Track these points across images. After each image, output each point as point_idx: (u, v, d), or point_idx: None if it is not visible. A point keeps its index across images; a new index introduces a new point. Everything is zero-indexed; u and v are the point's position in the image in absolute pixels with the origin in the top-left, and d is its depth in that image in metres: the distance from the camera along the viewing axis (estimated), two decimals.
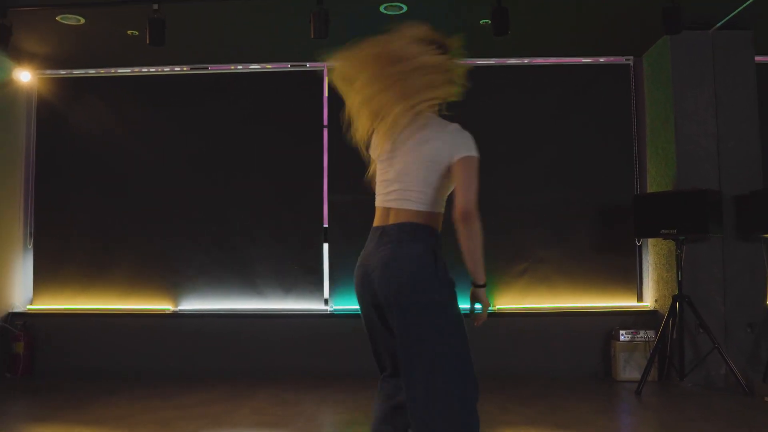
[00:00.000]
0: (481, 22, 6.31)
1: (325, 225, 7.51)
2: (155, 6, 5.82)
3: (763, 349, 6.40)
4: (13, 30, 6.11)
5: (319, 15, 5.66)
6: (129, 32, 6.56)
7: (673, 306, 6.32)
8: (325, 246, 7.50)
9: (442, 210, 3.16)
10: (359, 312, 3.16)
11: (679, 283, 6.30)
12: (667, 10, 5.69)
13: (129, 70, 7.82)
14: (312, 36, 5.74)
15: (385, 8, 6.08)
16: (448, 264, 3.05)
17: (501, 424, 4.99)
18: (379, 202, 3.16)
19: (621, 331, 6.76)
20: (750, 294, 6.56)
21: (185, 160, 7.72)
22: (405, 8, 6.09)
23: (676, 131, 6.67)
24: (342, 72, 3.22)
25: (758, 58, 6.80)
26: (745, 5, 6.02)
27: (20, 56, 7.20)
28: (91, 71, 7.83)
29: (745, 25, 6.59)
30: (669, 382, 6.53)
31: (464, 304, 2.93)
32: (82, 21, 6.30)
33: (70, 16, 6.18)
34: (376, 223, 3.13)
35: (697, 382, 6.39)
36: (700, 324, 6.20)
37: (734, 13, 6.23)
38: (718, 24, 6.54)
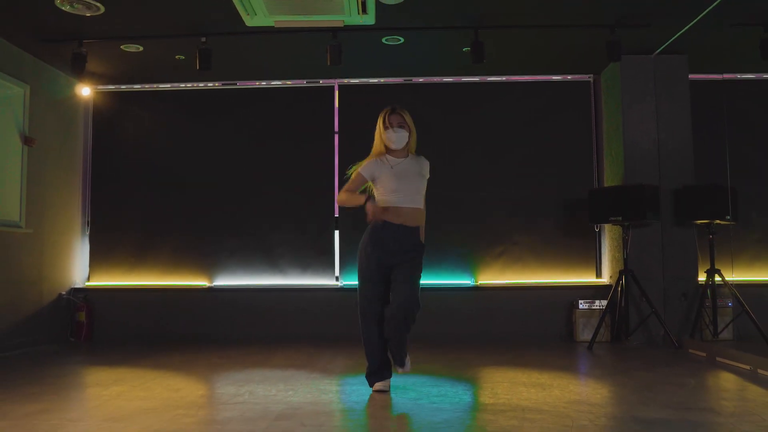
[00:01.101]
0: (463, 49, 7.66)
1: (336, 215, 8.81)
2: (203, 39, 7.19)
3: (693, 313, 7.77)
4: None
5: (335, 48, 7.01)
6: (177, 57, 7.90)
7: (619, 279, 7.72)
8: (336, 232, 8.81)
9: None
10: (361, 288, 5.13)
11: (625, 260, 7.69)
12: (609, 43, 7.08)
13: (170, 86, 9.12)
14: (328, 64, 7.08)
15: (386, 40, 7.44)
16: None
17: (477, 366, 6.36)
18: None
19: (580, 301, 8.17)
20: (683, 269, 7.93)
21: (218, 162, 8.99)
22: (402, 40, 7.45)
23: (624, 136, 8.02)
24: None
25: (692, 76, 8.14)
26: (678, 35, 7.33)
27: (83, 75, 8.48)
28: (137, 86, 9.11)
29: (681, 50, 7.91)
30: (618, 342, 7.92)
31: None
32: (141, 49, 7.63)
33: (132, 45, 7.52)
34: None
35: (640, 341, 7.80)
36: (642, 293, 7.60)
37: (670, 41, 7.55)
38: (659, 50, 7.89)
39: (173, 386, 5.34)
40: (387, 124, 5.02)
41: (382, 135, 5.05)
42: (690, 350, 7.14)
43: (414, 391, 5.11)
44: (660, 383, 5.33)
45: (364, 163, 5.08)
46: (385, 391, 5.06)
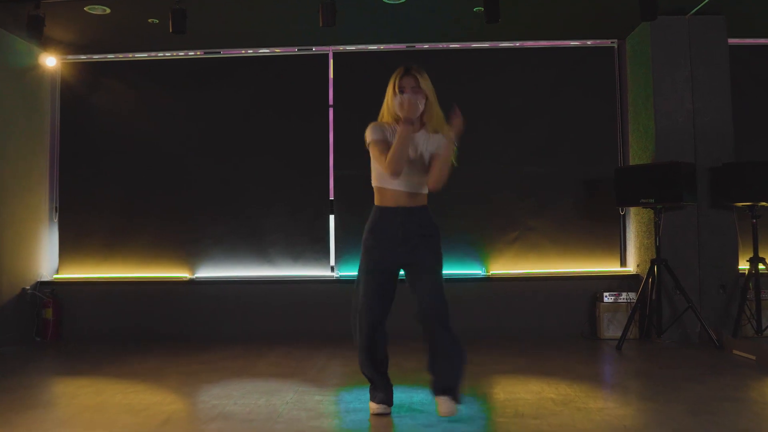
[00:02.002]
0: (474, 9, 6.79)
1: (331, 198, 7.98)
2: None
3: (734, 307, 6.93)
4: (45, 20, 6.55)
5: (328, 6, 6.13)
6: (150, 20, 7.02)
7: (651, 269, 6.85)
8: (332, 217, 7.97)
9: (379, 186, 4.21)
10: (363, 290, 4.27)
11: (657, 248, 6.83)
12: None
13: (146, 55, 8.25)
14: (321, 25, 6.20)
15: None
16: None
17: (493, 372, 5.54)
18: None
19: (605, 294, 7.30)
20: (722, 257, 7.07)
21: (201, 138, 8.16)
22: None
23: (655, 108, 7.15)
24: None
25: (731, 41, 7.27)
26: None
27: (46, 43, 7.62)
28: (110, 56, 8.25)
29: (719, 11, 7.04)
30: (648, 339, 7.06)
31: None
32: (108, 11, 6.76)
33: (97, 6, 6.63)
34: None
35: (673, 339, 6.94)
36: (676, 285, 6.73)
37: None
38: (694, 10, 7.00)
39: (135, 406, 4.51)
40: (398, 89, 4.10)
41: (391, 102, 4.14)
42: (734, 351, 6.28)
43: (422, 412, 4.28)
44: (714, 399, 4.48)
45: (371, 131, 4.17)
46: (384, 414, 4.19)
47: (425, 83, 4.11)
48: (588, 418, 4.05)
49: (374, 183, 4.22)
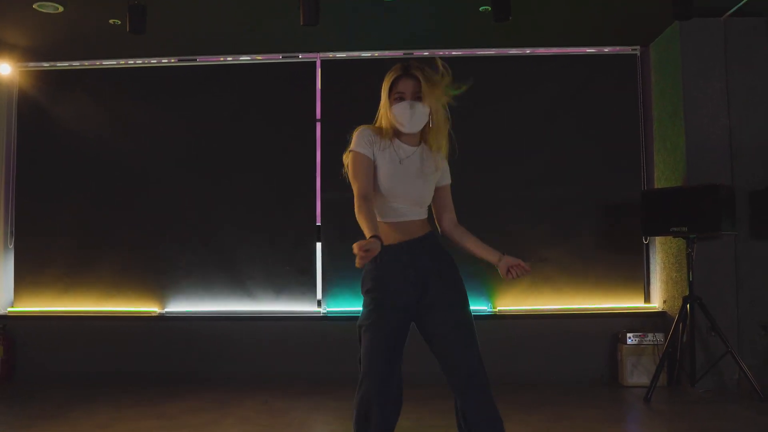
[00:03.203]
0: (480, 9, 6.09)
1: (318, 223, 7.32)
2: None
3: None
4: None
5: (309, 1, 5.35)
6: (111, 21, 6.30)
7: (683, 308, 6.03)
8: (318, 245, 7.30)
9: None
10: (354, 314, 3.05)
11: (690, 284, 6.02)
12: None
13: (115, 62, 7.64)
14: (302, 23, 5.49)
15: None
16: None
17: None
18: None
19: (628, 334, 6.50)
20: (764, 294, 6.30)
21: (172, 156, 7.53)
22: None
23: (685, 123, 6.41)
24: None
25: None
26: None
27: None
28: (75, 63, 7.65)
29: (760, 11, 6.37)
30: (679, 387, 6.28)
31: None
32: (61, 9, 6.04)
33: (47, 3, 5.91)
34: None
35: (708, 387, 6.13)
36: (712, 326, 5.94)
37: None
38: (731, 10, 6.29)
39: None
40: (396, 95, 3.24)
41: (387, 111, 3.26)
42: None
43: None
44: None
45: (354, 138, 3.28)
46: None
47: (429, 86, 3.21)
48: None
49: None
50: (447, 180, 3.39)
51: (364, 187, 3.18)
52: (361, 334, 3.19)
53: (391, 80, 3.24)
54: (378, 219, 3.23)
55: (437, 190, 3.36)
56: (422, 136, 3.31)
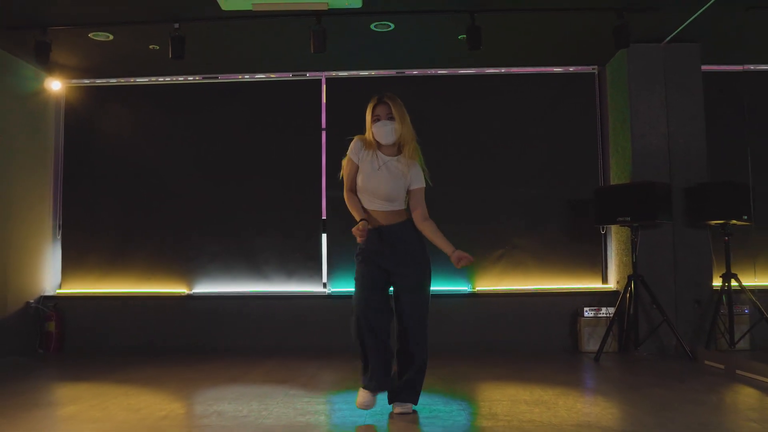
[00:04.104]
0: (459, 37, 7.09)
1: (324, 217, 8.29)
2: (176, 25, 6.65)
3: (708, 322, 7.21)
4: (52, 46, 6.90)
5: (318, 33, 6.46)
6: (150, 47, 7.36)
7: (628, 284, 7.16)
8: (324, 236, 8.28)
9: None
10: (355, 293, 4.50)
11: (634, 264, 7.14)
12: (617, 28, 6.55)
13: (147, 80, 8.59)
14: (312, 51, 6.54)
15: (375, 26, 6.90)
16: None
17: (473, 381, 5.81)
18: None
19: (585, 308, 7.60)
20: (697, 274, 7.37)
21: (198, 160, 8.47)
22: (392, 26, 6.92)
23: (632, 131, 7.48)
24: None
25: (705, 67, 7.60)
26: (689, 21, 6.82)
27: (52, 67, 7.96)
28: (113, 80, 8.60)
29: (693, 39, 7.38)
30: (626, 352, 7.34)
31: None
32: (111, 38, 7.10)
33: (101, 33, 6.98)
34: None
35: (650, 351, 7.22)
36: (652, 300, 7.03)
37: (681, 27, 7.02)
38: (668, 38, 7.35)
39: (134, 406, 4.78)
40: (374, 117, 4.51)
41: (368, 129, 4.55)
42: (706, 362, 6.58)
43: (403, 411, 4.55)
44: (677, 401, 4.76)
45: (350, 146, 4.60)
46: (366, 408, 4.47)
47: (396, 110, 4.48)
48: (555, 415, 4.35)
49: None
50: (418, 185, 4.52)
51: (350, 183, 4.55)
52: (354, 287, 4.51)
53: (371, 107, 4.55)
54: (365, 207, 4.52)
55: (410, 192, 4.55)
56: (399, 149, 4.53)
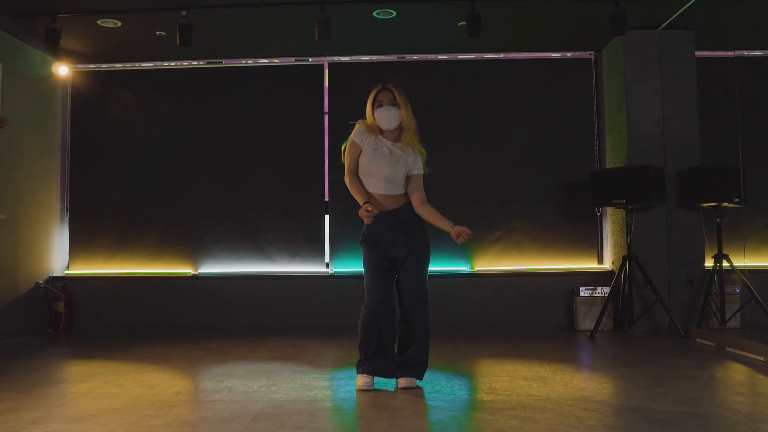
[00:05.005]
0: (459, 24, 7.26)
1: (326, 199, 8.45)
2: (183, 12, 6.80)
3: (700, 301, 7.42)
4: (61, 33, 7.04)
5: (322, 21, 6.64)
6: (158, 33, 7.52)
7: (623, 265, 7.36)
8: (326, 217, 8.44)
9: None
10: (356, 273, 4.65)
11: (629, 245, 7.35)
12: (612, 16, 6.71)
13: (152, 64, 8.73)
14: (317, 38, 6.71)
15: (377, 14, 7.07)
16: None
17: (473, 358, 6.01)
18: None
19: (581, 289, 7.82)
20: (690, 255, 7.59)
21: (202, 144, 8.62)
22: (394, 13, 7.07)
23: (627, 116, 7.66)
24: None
25: (698, 53, 7.76)
26: (684, 9, 6.97)
27: (60, 53, 8.11)
28: (118, 65, 8.73)
29: (688, 25, 7.54)
30: (621, 330, 7.56)
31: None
32: (119, 24, 7.25)
33: (109, 20, 7.13)
34: None
35: (644, 329, 7.45)
36: (646, 280, 7.24)
37: (675, 15, 7.18)
38: (663, 24, 7.51)
39: (148, 382, 4.98)
40: (377, 103, 4.70)
41: (371, 115, 4.74)
42: (697, 339, 6.79)
43: (406, 386, 4.75)
44: (669, 377, 4.98)
45: (354, 130, 4.80)
46: (368, 390, 4.66)
47: (400, 97, 4.68)
48: (553, 390, 4.56)
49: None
50: (417, 171, 4.74)
51: (352, 165, 4.72)
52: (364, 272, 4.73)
53: (374, 94, 4.75)
54: (369, 191, 4.72)
55: (409, 177, 4.76)
56: (399, 136, 4.71)
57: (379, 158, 4.64)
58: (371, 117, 4.73)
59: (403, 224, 4.66)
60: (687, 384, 4.71)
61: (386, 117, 4.66)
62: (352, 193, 4.73)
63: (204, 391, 4.68)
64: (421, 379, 4.74)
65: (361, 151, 4.71)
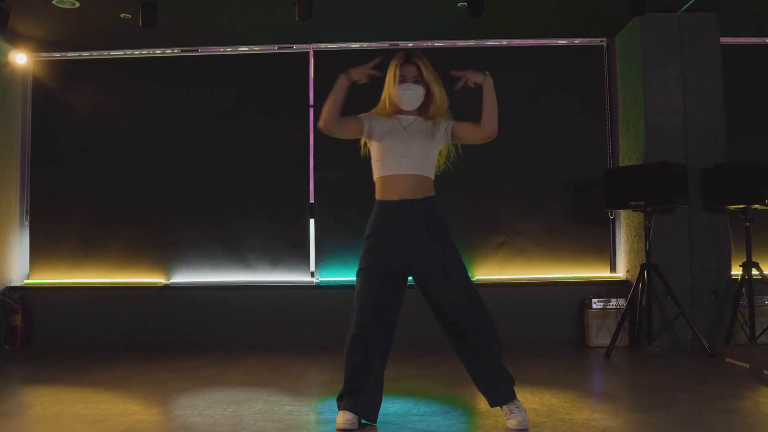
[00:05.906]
0: (458, 4, 6.55)
1: (312, 201, 7.74)
2: None
3: (726, 314, 6.69)
4: (11, 14, 6.29)
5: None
6: (122, 15, 6.76)
7: (641, 274, 6.62)
8: (312, 221, 7.73)
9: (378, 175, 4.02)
10: (344, 283, 3.76)
11: (647, 252, 6.60)
12: None
13: (122, 53, 8.01)
14: (297, 18, 6.00)
15: None
16: None
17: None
18: None
19: (593, 299, 7.06)
20: (714, 262, 6.85)
21: (176, 139, 7.94)
22: None
23: (645, 108, 6.94)
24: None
25: (723, 40, 7.05)
26: None
27: (16, 39, 7.39)
28: (85, 54, 8.01)
29: (711, 8, 6.83)
30: (638, 347, 6.82)
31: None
32: (77, 5, 6.50)
33: (65, 0, 6.40)
34: None
35: (664, 346, 6.70)
36: (667, 291, 6.50)
37: None
38: (685, 6, 6.79)
39: (94, 416, 4.24)
40: (399, 78, 3.92)
41: (391, 91, 3.96)
42: (727, 359, 6.03)
43: (396, 424, 4.00)
44: (709, 411, 4.22)
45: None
46: (350, 430, 3.87)
47: (427, 71, 3.95)
48: (572, 430, 3.79)
49: (375, 175, 4.03)
50: (453, 122, 4.10)
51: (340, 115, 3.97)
52: (358, 279, 3.90)
53: (395, 66, 3.91)
54: (379, 176, 3.95)
55: (457, 127, 4.13)
56: (421, 113, 3.96)
57: (404, 134, 3.93)
58: (392, 92, 3.96)
59: (425, 221, 3.89)
60: (732, 421, 3.96)
61: (407, 97, 3.93)
62: (327, 102, 4.03)
63: (154, 431, 3.91)
64: (515, 397, 3.93)
65: (360, 124, 3.99)
